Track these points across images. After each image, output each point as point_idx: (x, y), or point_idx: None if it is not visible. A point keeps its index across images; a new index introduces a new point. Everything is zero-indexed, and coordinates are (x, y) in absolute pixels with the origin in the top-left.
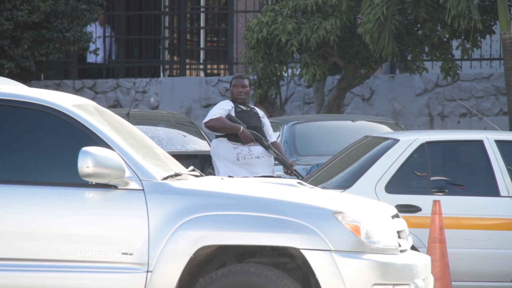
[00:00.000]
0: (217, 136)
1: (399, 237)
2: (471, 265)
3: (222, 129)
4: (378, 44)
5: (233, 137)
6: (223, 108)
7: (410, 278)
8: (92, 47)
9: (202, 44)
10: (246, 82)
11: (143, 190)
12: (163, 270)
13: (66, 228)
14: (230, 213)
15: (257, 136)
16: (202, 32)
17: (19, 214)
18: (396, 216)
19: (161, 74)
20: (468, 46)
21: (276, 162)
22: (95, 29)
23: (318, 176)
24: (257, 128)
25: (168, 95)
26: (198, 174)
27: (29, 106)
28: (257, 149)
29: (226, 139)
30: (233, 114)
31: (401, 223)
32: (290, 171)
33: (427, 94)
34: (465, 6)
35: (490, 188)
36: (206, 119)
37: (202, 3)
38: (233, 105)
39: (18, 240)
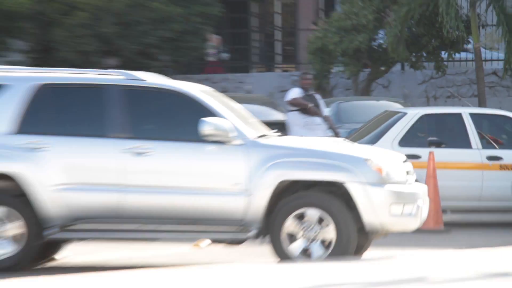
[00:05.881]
0: (290, 110)
1: (407, 174)
2: (451, 191)
3: (299, 105)
4: (396, 52)
5: (304, 110)
6: (296, 92)
7: (414, 199)
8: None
9: (279, 51)
10: (309, 76)
11: (245, 144)
12: (258, 194)
13: (198, 168)
14: (299, 159)
15: (318, 111)
16: (279, 44)
17: (166, 160)
18: (405, 161)
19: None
20: (451, 52)
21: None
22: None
23: (355, 137)
24: (317, 106)
25: (258, 84)
26: (279, 135)
27: (169, 92)
28: (317, 120)
29: (298, 112)
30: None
31: (408, 165)
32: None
33: (425, 84)
34: (455, 23)
35: (465, 144)
36: (289, 98)
37: (280, 24)
38: (300, 90)
39: (169, 175)
